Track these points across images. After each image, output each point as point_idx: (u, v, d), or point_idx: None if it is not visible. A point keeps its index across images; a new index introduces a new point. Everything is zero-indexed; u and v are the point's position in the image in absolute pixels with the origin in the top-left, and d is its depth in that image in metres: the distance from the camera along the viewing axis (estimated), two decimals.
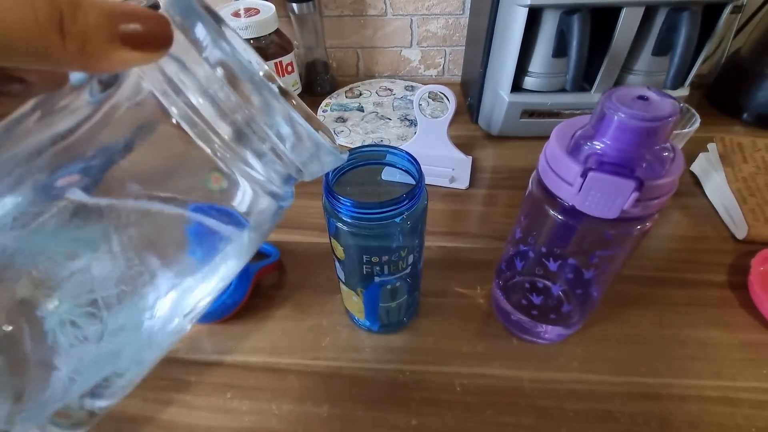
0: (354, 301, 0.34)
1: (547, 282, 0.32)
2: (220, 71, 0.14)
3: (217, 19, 0.14)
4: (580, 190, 0.22)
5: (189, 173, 0.16)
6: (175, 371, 0.36)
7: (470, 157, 0.55)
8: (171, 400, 0.34)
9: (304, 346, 0.37)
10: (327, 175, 0.26)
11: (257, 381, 0.35)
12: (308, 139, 0.16)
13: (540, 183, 0.26)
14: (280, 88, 0.15)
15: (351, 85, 0.73)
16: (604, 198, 0.22)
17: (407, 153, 0.28)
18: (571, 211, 0.24)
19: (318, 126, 0.16)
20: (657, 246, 0.44)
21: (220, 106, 0.15)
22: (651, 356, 0.35)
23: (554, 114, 0.55)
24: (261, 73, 0.14)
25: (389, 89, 0.72)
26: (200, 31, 0.13)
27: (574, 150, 0.23)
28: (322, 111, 0.67)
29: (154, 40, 0.13)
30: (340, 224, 0.26)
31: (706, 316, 0.37)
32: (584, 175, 0.21)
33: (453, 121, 0.52)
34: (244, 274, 0.39)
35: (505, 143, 0.59)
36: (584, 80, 0.51)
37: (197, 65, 0.14)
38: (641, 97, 0.21)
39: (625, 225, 0.24)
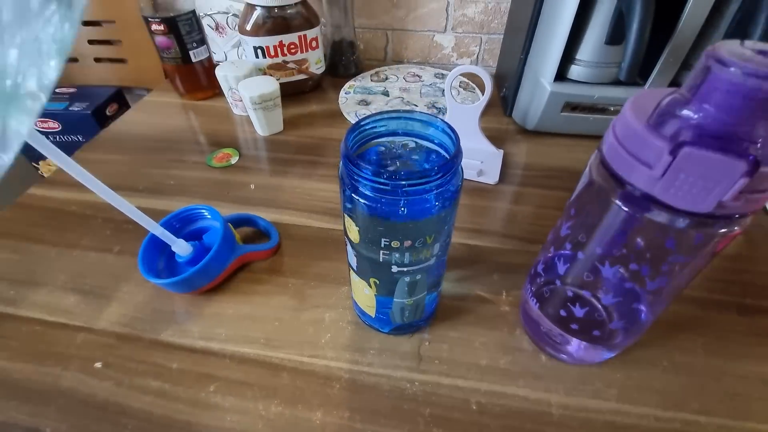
0: (365, 295, 0.29)
1: (595, 291, 0.27)
2: None
3: None
4: (664, 172, 0.17)
5: None
6: (157, 355, 0.32)
7: (501, 151, 0.50)
8: (147, 387, 0.30)
9: (302, 341, 0.33)
10: (346, 139, 0.22)
11: (246, 375, 0.31)
12: None
13: (603, 167, 0.21)
14: None
15: (377, 69, 0.69)
16: (698, 184, 0.17)
17: (444, 122, 0.23)
18: (643, 202, 0.19)
19: None
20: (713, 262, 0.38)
21: None
22: (704, 390, 0.30)
23: (599, 110, 0.49)
24: None
25: (418, 75, 0.67)
26: None
27: (657, 123, 0.18)
28: (345, 93, 0.63)
29: None
30: (357, 198, 0.22)
31: None
32: (674, 152, 0.17)
33: (484, 113, 0.47)
34: (227, 243, 0.36)
35: (541, 139, 0.54)
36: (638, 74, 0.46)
37: None
38: (762, 52, 0.16)
39: (709, 226, 0.19)
